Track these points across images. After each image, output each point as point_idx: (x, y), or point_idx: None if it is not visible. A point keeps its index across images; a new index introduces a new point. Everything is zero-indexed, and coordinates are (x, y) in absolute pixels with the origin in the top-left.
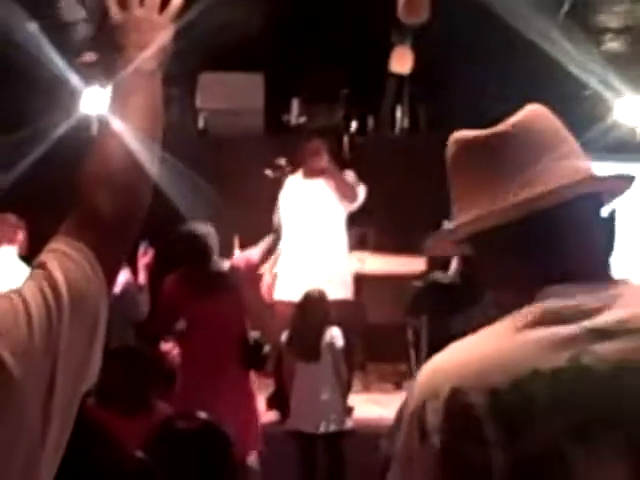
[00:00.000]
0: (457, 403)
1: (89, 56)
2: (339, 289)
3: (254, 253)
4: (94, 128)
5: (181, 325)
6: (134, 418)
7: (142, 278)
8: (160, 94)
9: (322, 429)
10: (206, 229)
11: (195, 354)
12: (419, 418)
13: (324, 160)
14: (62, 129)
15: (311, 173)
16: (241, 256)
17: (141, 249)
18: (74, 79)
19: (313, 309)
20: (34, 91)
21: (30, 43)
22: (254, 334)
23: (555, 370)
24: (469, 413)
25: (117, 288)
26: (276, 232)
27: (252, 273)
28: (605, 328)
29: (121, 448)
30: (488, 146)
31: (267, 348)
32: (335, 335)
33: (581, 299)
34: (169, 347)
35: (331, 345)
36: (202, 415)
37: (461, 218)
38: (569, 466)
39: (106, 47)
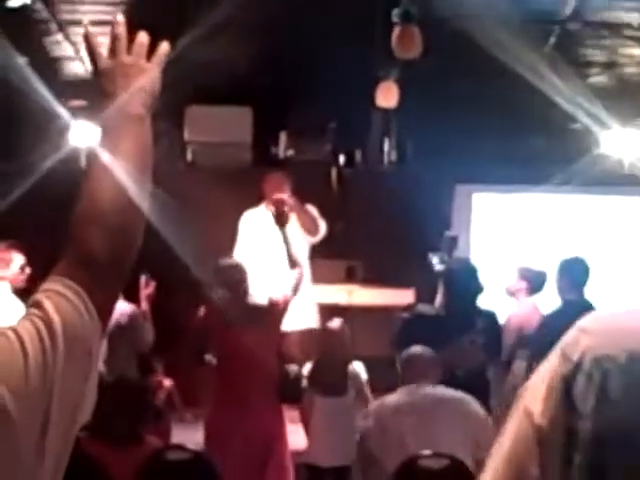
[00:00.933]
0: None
1: (78, 101)
2: (303, 319)
3: (287, 290)
4: (82, 160)
5: (213, 355)
6: (125, 450)
7: (145, 308)
8: (149, 137)
9: (337, 462)
10: (241, 264)
11: (229, 384)
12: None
13: (287, 193)
14: (51, 161)
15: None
16: (279, 292)
17: (142, 280)
18: (63, 112)
19: (338, 343)
20: (23, 124)
21: (19, 77)
22: (293, 368)
23: None
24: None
25: (123, 318)
26: (299, 266)
27: (286, 309)
28: None
29: None
30: None
31: (304, 382)
32: (358, 368)
33: None
34: (158, 379)
35: (355, 379)
36: (191, 447)
37: None
38: None
39: (94, 92)
